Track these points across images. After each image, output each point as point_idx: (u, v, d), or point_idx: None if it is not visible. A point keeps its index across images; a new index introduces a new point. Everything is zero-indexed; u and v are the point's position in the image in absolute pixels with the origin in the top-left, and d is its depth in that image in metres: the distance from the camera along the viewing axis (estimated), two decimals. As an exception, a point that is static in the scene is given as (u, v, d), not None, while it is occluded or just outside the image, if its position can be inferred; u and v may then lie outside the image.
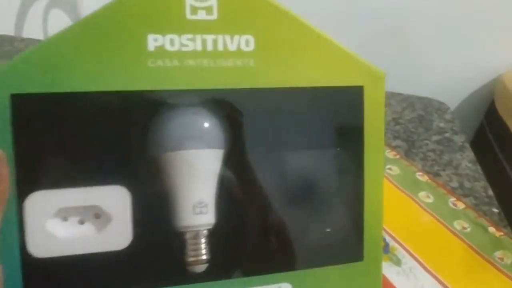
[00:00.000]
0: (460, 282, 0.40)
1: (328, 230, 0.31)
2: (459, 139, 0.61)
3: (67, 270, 0.26)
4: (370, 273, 0.31)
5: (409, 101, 0.69)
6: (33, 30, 0.86)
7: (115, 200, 0.26)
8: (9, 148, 0.23)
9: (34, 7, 0.86)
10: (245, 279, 0.29)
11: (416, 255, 0.42)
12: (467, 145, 0.60)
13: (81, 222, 0.26)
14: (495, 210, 0.49)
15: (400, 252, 0.42)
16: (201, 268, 0.27)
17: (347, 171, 0.31)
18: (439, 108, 0.68)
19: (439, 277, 0.40)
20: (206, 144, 0.27)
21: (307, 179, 0.32)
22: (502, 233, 0.46)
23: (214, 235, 0.28)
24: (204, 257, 0.27)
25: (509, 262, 0.43)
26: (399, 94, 0.70)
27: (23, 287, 0.25)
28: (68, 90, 0.24)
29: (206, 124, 0.27)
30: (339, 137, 0.30)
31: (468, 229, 0.46)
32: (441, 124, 0.64)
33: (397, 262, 0.41)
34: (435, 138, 0.60)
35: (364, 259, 0.30)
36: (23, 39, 0.75)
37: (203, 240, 0.27)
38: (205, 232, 0.27)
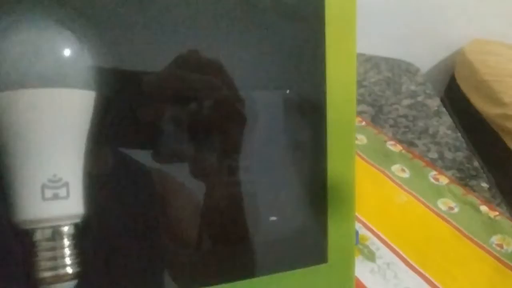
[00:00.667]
0: (454, 281, 0.31)
1: (273, 218, 0.21)
2: (434, 103, 0.52)
3: None
4: (337, 277, 0.24)
5: (373, 62, 0.59)
6: None
7: None
8: None
9: None
10: None
11: (394, 246, 0.32)
12: (444, 109, 0.51)
13: None
14: (485, 184, 0.40)
15: (374, 243, 0.32)
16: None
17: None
18: (408, 69, 0.59)
19: (427, 275, 0.31)
20: (68, 82, 0.17)
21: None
22: (497, 213, 0.37)
23: (86, 234, 0.17)
24: (69, 269, 0.17)
25: (510, 249, 0.34)
26: (362, 54, 0.61)
27: None
28: None
29: (68, 50, 0.17)
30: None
31: (456, 209, 0.37)
32: (412, 87, 0.55)
33: (370, 257, 0.31)
34: (406, 102, 0.51)
35: (329, 261, 0.24)
36: None
37: (66, 242, 0.18)
38: (67, 229, 0.17)
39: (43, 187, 0.17)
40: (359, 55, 0.61)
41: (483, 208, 0.37)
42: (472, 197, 0.38)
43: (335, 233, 0.24)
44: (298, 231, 0.24)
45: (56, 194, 0.17)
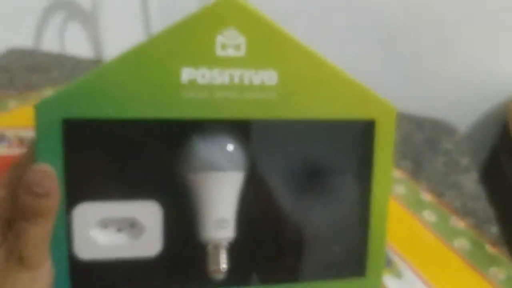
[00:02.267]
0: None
1: (334, 247, 0.37)
2: (465, 160, 0.67)
3: (106, 271, 0.33)
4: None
5: (418, 122, 0.76)
6: (51, 44, 0.94)
7: (148, 213, 0.32)
8: (59, 165, 0.30)
9: (52, 21, 0.94)
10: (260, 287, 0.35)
11: (417, 270, 0.48)
12: (472, 166, 0.66)
13: (119, 231, 0.33)
14: (493, 229, 0.55)
15: (402, 266, 0.48)
16: (220, 276, 0.33)
17: (356, 195, 0.37)
18: (448, 130, 0.75)
19: (437, 288, 0.47)
20: (229, 167, 0.33)
21: (318, 201, 0.39)
22: (497, 251, 0.52)
23: (233, 247, 0.33)
24: (224, 266, 0.33)
25: (502, 277, 0.49)
26: (409, 115, 0.77)
27: (69, 284, 0.32)
28: (112, 116, 0.30)
29: (230, 150, 0.33)
30: (351, 166, 0.36)
31: (467, 247, 0.52)
32: (449, 146, 0.70)
33: (398, 275, 0.47)
34: (441, 159, 0.67)
35: (366, 275, 0.36)
36: (44, 54, 0.83)
37: (223, 251, 0.33)
38: (225, 244, 0.33)
39: (216, 222, 0.34)
40: (407, 116, 0.77)
41: (488, 246, 0.52)
42: (481, 238, 0.53)
43: (372, 255, 0.35)
44: (344, 247, 0.36)
45: (222, 226, 0.34)
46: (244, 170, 0.33)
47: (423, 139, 0.71)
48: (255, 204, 0.35)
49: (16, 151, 0.57)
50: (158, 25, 1.08)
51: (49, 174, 0.29)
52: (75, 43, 0.99)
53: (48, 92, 0.69)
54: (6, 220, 0.30)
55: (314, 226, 0.37)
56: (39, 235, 0.29)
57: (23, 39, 0.87)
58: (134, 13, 1.09)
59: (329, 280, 0.36)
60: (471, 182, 0.63)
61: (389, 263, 0.48)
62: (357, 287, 0.36)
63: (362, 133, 0.35)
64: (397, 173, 0.62)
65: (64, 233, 0.31)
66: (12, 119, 0.62)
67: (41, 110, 0.29)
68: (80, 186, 0.31)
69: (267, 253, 0.36)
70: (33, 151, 0.31)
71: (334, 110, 0.33)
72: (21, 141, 0.58)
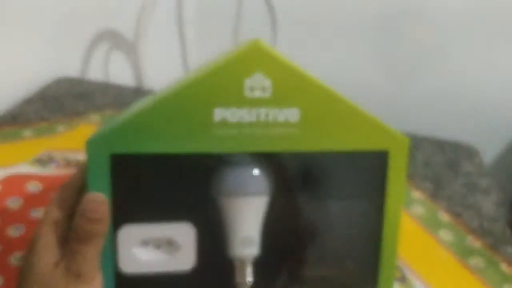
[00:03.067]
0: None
1: (348, 263, 0.42)
2: (485, 182, 0.70)
3: (146, 284, 0.38)
4: None
5: (440, 145, 0.78)
6: (96, 73, 1.02)
7: (184, 233, 0.38)
8: (107, 193, 0.35)
9: (97, 51, 1.01)
10: None
11: (430, 287, 0.51)
12: (493, 188, 0.69)
13: (158, 248, 0.38)
14: (510, 248, 0.58)
15: (416, 284, 0.51)
16: (247, 287, 0.38)
17: (370, 218, 0.41)
18: (469, 152, 0.77)
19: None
20: (255, 193, 0.38)
21: (334, 223, 0.43)
22: (511, 269, 0.54)
23: (258, 262, 0.38)
24: (250, 279, 0.38)
25: (515, 295, 0.51)
26: (431, 137, 0.80)
27: None
28: (153, 151, 0.35)
29: (256, 177, 0.38)
30: (365, 191, 0.41)
31: (481, 265, 0.55)
32: (469, 168, 0.73)
33: (412, 291, 0.50)
34: (461, 181, 0.69)
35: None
36: (89, 82, 0.90)
37: (249, 266, 0.38)
38: (250, 259, 0.38)
39: (242, 240, 0.37)
40: (429, 138, 0.80)
41: (503, 265, 0.55)
42: (496, 257, 0.56)
43: (384, 268, 0.40)
44: (358, 270, 0.42)
45: (248, 244, 0.37)
46: (268, 195, 0.38)
47: (444, 161, 0.74)
48: (278, 224, 0.39)
49: (63, 172, 0.63)
50: (195, 56, 1.14)
51: (102, 202, 0.34)
52: (118, 72, 1.07)
53: (95, 118, 0.76)
54: (64, 239, 0.35)
55: (330, 244, 0.42)
56: (93, 253, 0.34)
57: (70, 69, 0.94)
58: (173, 44, 1.16)
59: None
60: (490, 203, 0.65)
61: (403, 280, 0.51)
62: None
63: (377, 163, 0.38)
64: (416, 194, 0.65)
65: (111, 251, 0.36)
66: (60, 142, 0.69)
67: (91, 146, 0.34)
68: (125, 210, 0.36)
69: (288, 268, 0.41)
70: (81, 174, 0.37)
71: (351, 142, 0.37)
72: (68, 163, 0.64)
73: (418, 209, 0.62)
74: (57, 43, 0.88)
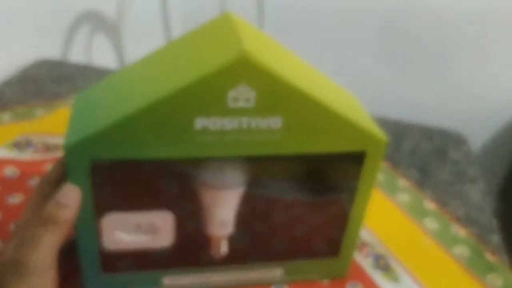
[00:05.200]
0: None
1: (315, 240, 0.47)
2: (472, 170, 0.69)
3: (128, 257, 0.41)
4: (342, 264, 0.48)
5: (427, 132, 0.78)
6: (78, 55, 1.00)
7: (163, 219, 0.40)
8: (87, 195, 0.36)
9: (79, 32, 0.99)
10: (251, 264, 0.45)
11: (415, 275, 0.51)
12: (480, 176, 0.68)
13: (139, 230, 0.40)
14: (495, 237, 0.57)
15: (400, 272, 0.51)
16: (221, 257, 0.43)
17: (339, 203, 0.45)
18: (457, 140, 0.76)
19: (432, 292, 0.49)
20: (232, 185, 0.40)
21: (304, 206, 0.46)
22: (496, 259, 0.54)
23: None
24: (225, 249, 0.43)
25: (499, 284, 0.51)
26: (419, 124, 0.79)
27: (100, 266, 0.40)
28: (133, 157, 0.35)
29: (234, 172, 0.40)
30: (339, 187, 0.43)
31: (466, 254, 0.54)
32: (457, 156, 0.72)
33: (396, 280, 0.50)
34: (448, 169, 0.69)
35: (338, 256, 0.47)
36: (71, 64, 0.88)
37: (224, 241, 0.43)
38: (225, 236, 0.43)
39: (219, 222, 0.40)
40: (416, 125, 0.79)
41: (488, 254, 0.54)
42: (481, 247, 0.55)
43: (345, 246, 0.46)
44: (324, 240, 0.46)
45: (224, 226, 0.41)
46: (243, 185, 0.41)
47: (431, 149, 0.73)
48: (248, 209, 0.43)
49: (41, 156, 0.61)
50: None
51: (74, 191, 0.35)
52: (101, 54, 1.05)
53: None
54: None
55: (300, 222, 0.46)
56: (48, 241, 0.34)
57: (51, 51, 0.92)
58: (156, 24, 1.14)
59: (310, 260, 0.47)
60: (477, 192, 0.65)
61: (386, 268, 0.51)
62: (330, 264, 0.47)
63: (353, 161, 0.40)
64: (402, 182, 0.64)
65: (94, 234, 0.38)
66: (39, 126, 0.67)
67: (70, 151, 0.34)
68: (107, 202, 0.38)
69: (260, 242, 0.46)
70: (60, 167, 0.38)
71: (331, 145, 0.38)
72: (46, 147, 0.63)
73: (404, 197, 0.62)
74: (36, 24, 0.86)
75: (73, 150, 0.34)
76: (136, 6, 0.98)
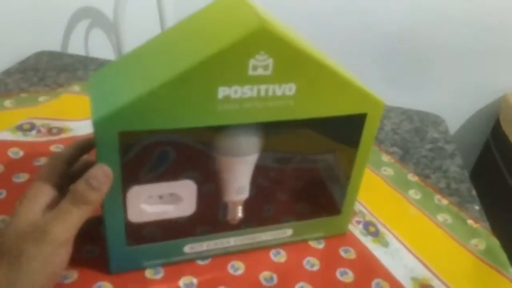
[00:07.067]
0: (439, 262, 0.48)
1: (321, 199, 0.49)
2: (450, 147, 0.69)
3: (153, 228, 0.41)
4: (344, 221, 0.49)
5: (407, 114, 0.77)
6: (77, 47, 0.97)
7: (185, 188, 0.40)
8: (116, 167, 0.34)
9: (77, 27, 0.97)
10: (264, 227, 0.45)
11: (402, 240, 0.50)
12: (457, 152, 0.68)
13: (163, 202, 0.40)
14: (476, 207, 0.57)
15: (388, 237, 0.50)
16: (237, 222, 0.44)
17: (342, 165, 0.46)
18: (435, 120, 0.76)
19: (421, 258, 0.48)
20: (248, 152, 0.40)
21: (310, 170, 0.48)
22: (478, 225, 0.53)
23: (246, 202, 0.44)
24: (240, 215, 0.43)
25: (482, 248, 0.50)
26: (399, 107, 0.79)
27: (125, 238, 0.39)
28: (159, 128, 0.34)
29: (249, 139, 0.40)
30: (342, 147, 0.45)
31: (449, 221, 0.54)
32: (435, 135, 0.72)
33: (385, 244, 0.49)
34: (428, 146, 0.68)
35: (340, 214, 0.48)
36: (70, 56, 0.86)
37: (240, 206, 0.43)
38: (242, 202, 0.43)
39: (237, 189, 0.41)
40: (397, 108, 0.78)
41: (470, 221, 0.54)
42: (463, 214, 0.55)
43: (346, 203, 0.46)
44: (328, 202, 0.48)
45: (241, 191, 0.41)
46: (258, 152, 0.41)
47: (412, 129, 0.73)
48: (263, 173, 0.44)
49: (45, 138, 0.59)
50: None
51: (107, 175, 0.34)
52: (98, 47, 1.03)
53: (76, 87, 0.72)
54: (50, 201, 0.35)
55: (307, 186, 0.49)
56: (76, 218, 0.34)
57: (50, 45, 0.90)
58: (152, 20, 1.12)
59: (316, 219, 0.47)
60: (455, 166, 0.65)
61: (376, 234, 0.50)
62: (333, 221, 0.48)
63: (356, 123, 0.41)
64: (386, 158, 0.64)
65: (121, 206, 0.37)
66: (42, 111, 0.65)
67: (99, 125, 0.33)
68: (133, 173, 0.37)
69: (271, 205, 0.47)
70: (73, 149, 0.39)
71: (337, 108, 0.39)
72: (49, 129, 0.61)
73: (389, 172, 0.61)
74: (37, 18, 0.84)
75: (102, 124, 0.32)
76: (133, 2, 0.96)
